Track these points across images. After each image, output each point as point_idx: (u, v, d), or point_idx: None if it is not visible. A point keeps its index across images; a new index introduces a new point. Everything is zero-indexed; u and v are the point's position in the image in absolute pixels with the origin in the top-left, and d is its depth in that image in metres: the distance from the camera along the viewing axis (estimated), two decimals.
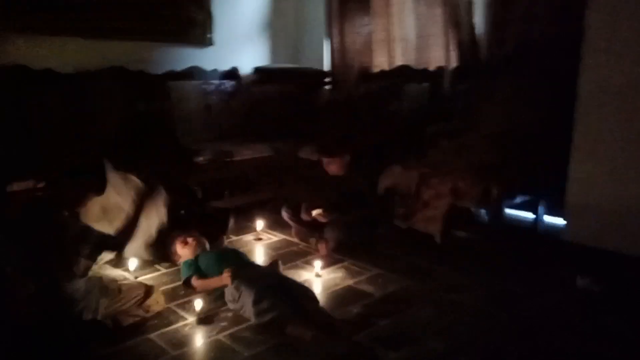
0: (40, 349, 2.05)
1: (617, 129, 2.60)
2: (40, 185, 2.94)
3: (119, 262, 2.79)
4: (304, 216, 3.36)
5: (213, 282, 2.52)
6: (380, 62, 4.58)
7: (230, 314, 2.38)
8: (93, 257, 2.64)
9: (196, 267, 2.62)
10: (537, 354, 2.09)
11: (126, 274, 2.59)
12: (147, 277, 2.74)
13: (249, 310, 2.28)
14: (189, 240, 2.79)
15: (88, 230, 2.74)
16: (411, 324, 2.31)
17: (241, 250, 2.99)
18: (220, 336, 2.21)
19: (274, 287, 2.32)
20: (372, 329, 2.25)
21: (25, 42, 3.57)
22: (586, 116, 2.71)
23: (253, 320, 2.26)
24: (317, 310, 2.32)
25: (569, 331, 2.22)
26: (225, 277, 2.42)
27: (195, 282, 2.58)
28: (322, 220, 3.27)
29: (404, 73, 4.24)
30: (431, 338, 2.18)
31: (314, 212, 3.31)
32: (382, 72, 4.44)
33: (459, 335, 2.22)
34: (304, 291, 2.41)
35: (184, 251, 2.77)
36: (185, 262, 2.66)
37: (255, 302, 2.24)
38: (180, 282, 2.66)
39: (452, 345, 2.13)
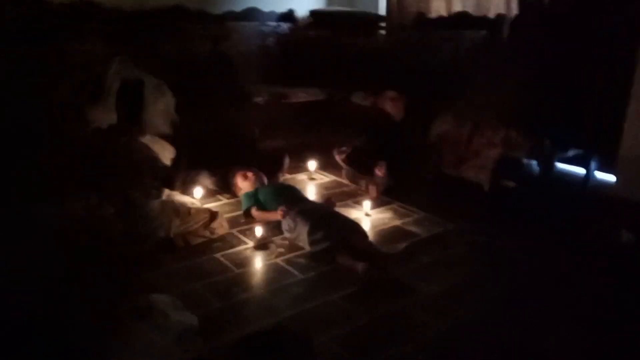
0: (119, 263, 2.32)
1: None
2: None
3: (186, 189, 3.04)
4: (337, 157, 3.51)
5: (270, 216, 2.73)
6: (438, 7, 4.50)
7: (286, 242, 2.60)
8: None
9: (256, 199, 2.84)
10: (565, 299, 2.20)
11: (193, 200, 2.83)
12: (211, 205, 2.98)
13: (303, 239, 2.48)
14: (249, 174, 3.00)
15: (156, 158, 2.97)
16: (451, 263, 2.47)
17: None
18: (278, 260, 2.44)
19: (327, 220, 2.51)
20: (414, 265, 2.42)
21: None
22: None
23: (307, 249, 2.47)
24: (366, 244, 2.50)
25: (607, 282, 2.31)
26: (280, 214, 2.62)
27: (254, 212, 2.80)
28: (379, 174, 3.34)
29: (462, 19, 4.16)
30: (468, 276, 2.34)
31: (377, 170, 3.33)
32: (440, 18, 4.37)
33: (493, 277, 2.35)
34: (355, 226, 2.59)
35: (244, 184, 2.99)
36: (246, 194, 2.89)
37: (310, 233, 2.44)
38: (240, 212, 2.90)
39: (485, 286, 2.28)
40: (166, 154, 2.94)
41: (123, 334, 1.56)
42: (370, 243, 2.53)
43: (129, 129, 2.74)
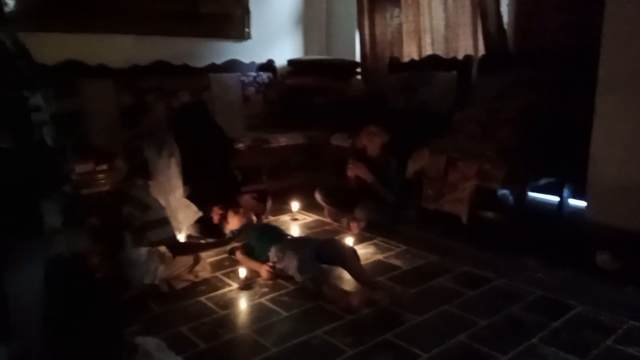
0: (104, 307, 2.34)
1: (637, 109, 2.70)
2: (101, 167, 3.30)
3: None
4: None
5: (253, 265, 2.75)
6: (410, 52, 4.74)
7: (270, 282, 2.64)
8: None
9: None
10: (552, 321, 2.25)
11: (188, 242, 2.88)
12: None
13: (292, 269, 2.53)
14: (240, 210, 3.05)
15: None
16: (436, 293, 2.52)
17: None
18: (262, 300, 2.47)
19: (316, 249, 2.57)
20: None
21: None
22: (605, 97, 2.82)
23: (297, 278, 2.51)
24: (359, 267, 2.57)
25: (588, 304, 2.37)
26: (264, 271, 2.67)
27: (239, 255, 2.84)
28: (364, 177, 3.50)
29: (433, 62, 4.38)
30: (454, 305, 2.39)
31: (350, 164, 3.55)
32: (412, 62, 4.60)
33: (480, 304, 2.41)
34: (348, 248, 2.67)
35: (234, 219, 3.03)
36: (231, 232, 2.93)
37: (299, 264, 2.48)
38: (224, 255, 2.94)
39: (472, 312, 2.33)
40: (189, 214, 2.90)
41: None
42: (361, 266, 2.59)
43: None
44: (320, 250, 2.58)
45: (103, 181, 3.34)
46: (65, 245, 1.57)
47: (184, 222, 2.79)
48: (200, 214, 2.88)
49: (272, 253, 2.67)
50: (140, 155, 2.57)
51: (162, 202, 2.57)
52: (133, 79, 4.02)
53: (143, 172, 2.55)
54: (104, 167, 3.35)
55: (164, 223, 2.51)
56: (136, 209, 2.47)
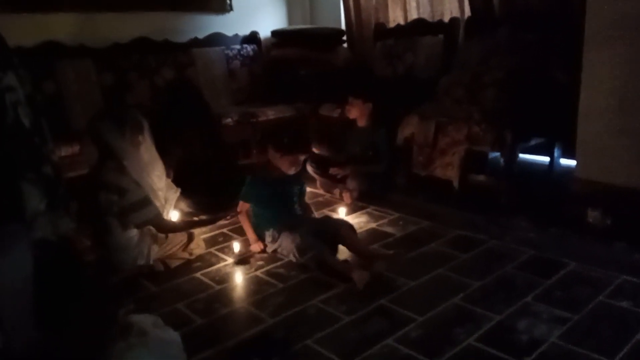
0: (99, 291, 2.34)
1: (625, 64, 2.68)
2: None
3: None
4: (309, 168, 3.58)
5: (249, 234, 2.72)
6: (396, 17, 4.65)
7: (265, 255, 2.64)
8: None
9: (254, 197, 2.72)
10: (545, 279, 2.28)
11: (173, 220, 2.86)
12: None
13: (286, 250, 2.53)
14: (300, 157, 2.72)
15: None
16: (429, 258, 2.54)
17: None
18: (258, 273, 2.47)
19: (314, 228, 2.55)
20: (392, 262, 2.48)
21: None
22: (592, 54, 2.79)
23: (293, 260, 2.51)
24: (357, 240, 2.58)
25: (580, 261, 2.40)
26: (256, 246, 2.66)
27: (241, 217, 2.74)
28: (338, 174, 3.49)
29: (419, 26, 4.31)
30: (447, 269, 2.41)
31: (331, 170, 3.53)
32: (398, 27, 4.52)
33: (473, 267, 2.43)
34: (344, 222, 2.68)
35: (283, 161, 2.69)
36: (252, 183, 2.73)
37: (298, 245, 2.47)
38: (218, 231, 2.93)
39: (466, 275, 2.35)
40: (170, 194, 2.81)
41: (101, 355, 1.58)
42: (359, 239, 2.61)
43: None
44: (317, 229, 2.56)
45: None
46: (49, 228, 1.54)
47: (166, 202, 2.72)
48: (179, 192, 2.82)
49: (268, 234, 2.66)
50: (101, 138, 2.42)
51: (142, 182, 2.46)
52: (114, 58, 3.93)
53: (115, 152, 2.42)
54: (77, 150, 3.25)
55: (146, 203, 2.44)
56: (113, 194, 2.38)
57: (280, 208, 2.71)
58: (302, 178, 2.90)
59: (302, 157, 2.72)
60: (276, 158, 2.66)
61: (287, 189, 2.73)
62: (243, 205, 2.75)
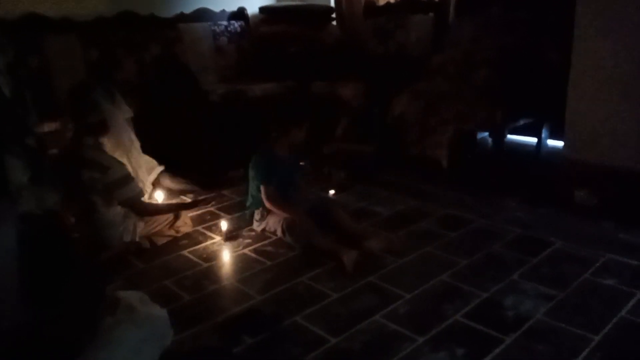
0: (87, 267, 2.31)
1: (617, 45, 2.67)
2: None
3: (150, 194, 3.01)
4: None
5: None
6: None
7: (252, 233, 2.62)
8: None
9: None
10: (532, 257, 2.30)
11: (155, 202, 2.81)
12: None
13: (274, 227, 2.53)
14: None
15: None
16: (417, 236, 2.54)
17: None
18: (246, 250, 2.46)
19: (305, 207, 2.54)
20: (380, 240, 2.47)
21: None
22: (583, 35, 2.78)
23: (282, 237, 2.50)
24: (348, 220, 2.56)
25: (567, 240, 2.42)
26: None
27: (272, 204, 2.55)
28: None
29: (409, 4, 4.25)
30: (435, 247, 2.41)
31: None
32: (388, 5, 4.46)
33: (461, 245, 2.44)
34: (335, 201, 2.71)
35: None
36: (260, 162, 2.61)
37: (288, 224, 2.46)
38: (205, 210, 2.89)
39: (454, 253, 2.36)
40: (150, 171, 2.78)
41: (90, 332, 1.56)
42: (346, 217, 2.58)
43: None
44: (309, 208, 2.53)
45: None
46: (34, 202, 1.50)
47: (146, 179, 2.67)
48: (162, 168, 2.77)
49: (257, 212, 2.63)
50: (96, 108, 2.36)
51: (122, 159, 2.42)
52: (99, 33, 3.82)
53: (95, 128, 2.37)
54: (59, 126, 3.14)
55: (128, 180, 2.40)
56: (95, 172, 2.33)
57: (277, 187, 2.69)
58: (299, 159, 2.88)
59: (301, 134, 2.66)
60: (278, 138, 2.63)
61: (287, 169, 2.71)
62: (268, 189, 2.56)
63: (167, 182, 3.07)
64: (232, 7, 4.66)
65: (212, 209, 2.95)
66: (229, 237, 2.56)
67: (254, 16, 4.81)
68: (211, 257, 2.41)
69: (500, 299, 1.97)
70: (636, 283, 2.04)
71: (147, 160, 2.70)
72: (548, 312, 1.88)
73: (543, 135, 3.58)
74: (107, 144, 2.41)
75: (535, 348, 1.69)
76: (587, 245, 2.36)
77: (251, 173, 2.64)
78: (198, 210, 2.92)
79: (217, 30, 4.48)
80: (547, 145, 3.63)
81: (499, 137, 3.19)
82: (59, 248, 2.00)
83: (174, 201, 2.95)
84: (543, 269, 2.19)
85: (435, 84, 3.50)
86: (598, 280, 2.09)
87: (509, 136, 3.44)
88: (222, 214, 2.88)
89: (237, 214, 2.81)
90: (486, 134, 3.48)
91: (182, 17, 4.34)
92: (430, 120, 3.33)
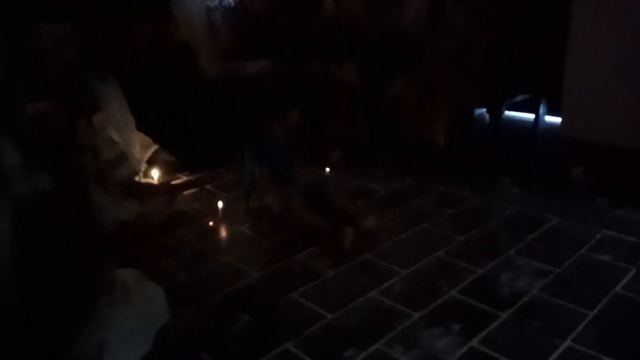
0: (83, 249, 2.29)
1: (616, 22, 2.64)
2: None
3: (145, 172, 2.99)
4: None
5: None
6: None
7: (248, 212, 2.61)
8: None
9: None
10: (528, 234, 2.30)
11: (151, 181, 2.79)
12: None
13: (271, 204, 2.53)
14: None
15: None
16: (414, 213, 2.54)
17: None
18: (243, 228, 2.45)
19: (302, 186, 2.51)
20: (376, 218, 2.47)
21: None
22: (582, 8, 2.74)
23: (278, 215, 2.48)
24: (345, 200, 2.54)
25: (563, 217, 2.42)
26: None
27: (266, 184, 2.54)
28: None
29: None
30: (431, 224, 2.41)
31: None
32: None
33: (457, 222, 2.43)
34: (332, 180, 2.71)
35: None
36: (261, 143, 2.60)
37: (283, 202, 2.43)
38: (198, 188, 2.87)
39: (449, 229, 2.36)
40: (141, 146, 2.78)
41: (86, 312, 1.55)
42: (348, 199, 2.57)
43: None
44: (306, 187, 2.52)
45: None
46: (26, 184, 1.47)
47: (141, 157, 2.65)
48: (156, 146, 2.75)
49: (252, 192, 2.63)
50: (87, 88, 2.35)
51: (115, 138, 2.40)
52: (90, 12, 3.72)
53: (86, 108, 2.35)
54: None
55: (122, 159, 2.39)
56: (87, 155, 2.33)
57: (275, 167, 2.67)
58: (295, 139, 2.85)
59: (297, 115, 2.63)
60: (275, 118, 2.61)
61: (283, 149, 2.68)
62: (264, 170, 2.54)
63: (165, 155, 3.05)
64: None
65: (208, 187, 2.93)
66: (225, 215, 2.55)
67: None
68: (207, 236, 2.40)
69: (496, 275, 1.98)
70: (631, 259, 2.05)
71: (141, 138, 2.67)
72: (543, 288, 1.89)
73: (541, 111, 3.56)
74: (99, 123, 2.37)
75: (530, 323, 1.70)
76: (582, 221, 2.36)
77: (247, 152, 2.62)
78: (194, 189, 2.91)
79: (211, 5, 4.40)
80: (545, 121, 3.60)
81: (496, 113, 3.17)
82: (54, 232, 1.98)
83: (169, 180, 2.93)
84: (539, 245, 2.19)
85: (431, 64, 3.45)
86: (594, 256, 2.09)
87: (507, 112, 3.42)
88: (219, 192, 2.87)
89: (233, 193, 2.79)
90: (484, 110, 3.45)
91: None
92: (426, 100, 3.30)
